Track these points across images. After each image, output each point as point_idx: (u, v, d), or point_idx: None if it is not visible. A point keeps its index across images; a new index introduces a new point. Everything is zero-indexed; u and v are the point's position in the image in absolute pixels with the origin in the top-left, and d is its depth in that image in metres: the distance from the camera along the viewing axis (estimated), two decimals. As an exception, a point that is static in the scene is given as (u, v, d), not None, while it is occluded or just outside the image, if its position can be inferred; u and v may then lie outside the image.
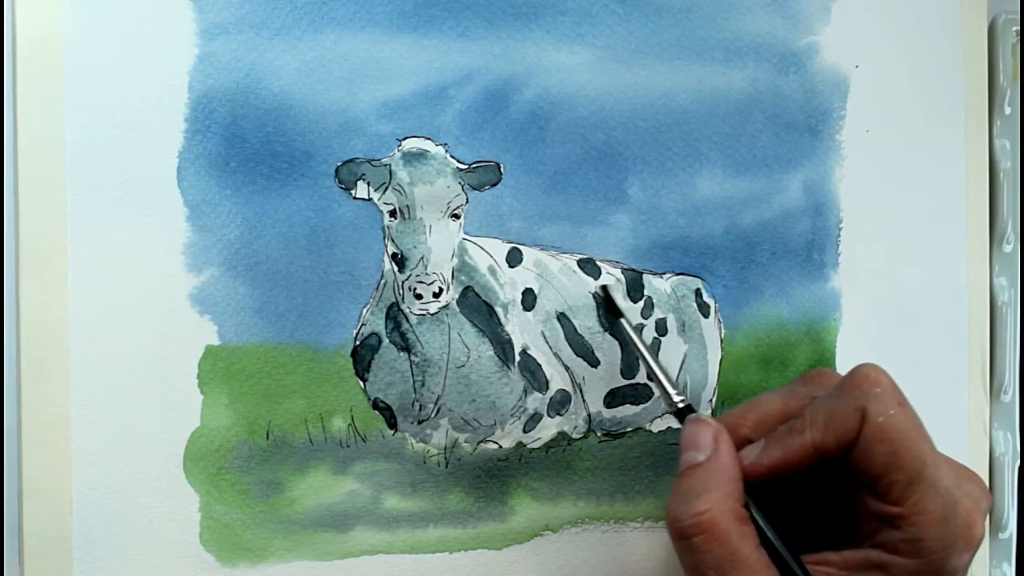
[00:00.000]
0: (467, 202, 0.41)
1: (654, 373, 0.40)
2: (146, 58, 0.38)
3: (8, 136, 0.37)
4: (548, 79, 0.42)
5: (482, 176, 0.41)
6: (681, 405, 0.39)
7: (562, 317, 0.43)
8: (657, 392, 0.40)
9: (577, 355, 0.43)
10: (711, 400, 0.45)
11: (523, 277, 0.42)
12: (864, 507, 0.34)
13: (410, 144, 0.40)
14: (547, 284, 0.42)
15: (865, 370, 0.35)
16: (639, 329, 0.44)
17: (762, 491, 0.36)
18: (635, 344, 0.41)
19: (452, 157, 0.41)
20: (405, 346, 0.41)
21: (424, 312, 0.41)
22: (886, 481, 0.33)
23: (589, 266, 0.43)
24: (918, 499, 0.33)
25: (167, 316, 0.38)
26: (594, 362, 0.43)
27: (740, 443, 0.37)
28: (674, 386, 0.40)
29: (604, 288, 0.43)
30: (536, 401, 0.42)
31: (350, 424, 0.40)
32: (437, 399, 0.41)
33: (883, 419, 0.33)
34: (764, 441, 0.36)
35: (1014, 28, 0.50)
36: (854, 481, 0.35)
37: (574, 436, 0.43)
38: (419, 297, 0.40)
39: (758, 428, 0.37)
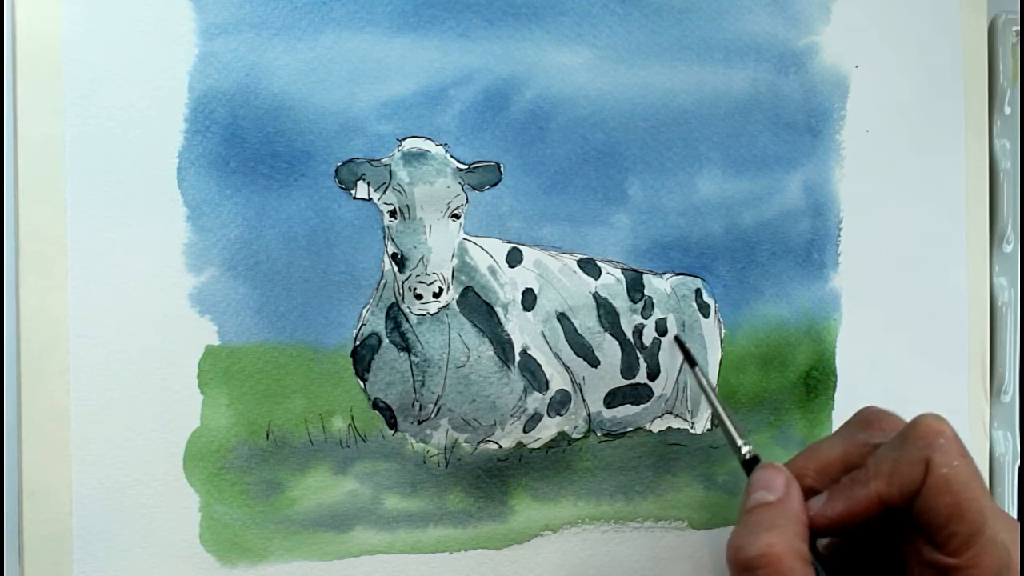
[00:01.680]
0: (467, 202, 0.41)
1: (724, 425, 0.40)
2: (146, 58, 0.38)
3: (8, 136, 0.37)
4: (548, 79, 0.42)
5: (482, 176, 0.41)
6: (748, 456, 0.39)
7: (562, 317, 0.43)
8: (726, 442, 0.41)
9: (577, 355, 0.43)
10: (711, 400, 0.45)
11: (523, 277, 0.42)
12: (918, 555, 0.34)
13: (410, 144, 0.40)
14: (547, 284, 0.42)
15: (928, 420, 0.35)
16: (640, 330, 0.44)
17: (815, 534, 0.36)
18: (708, 395, 0.41)
19: (452, 157, 0.41)
20: (405, 346, 0.41)
21: (424, 312, 0.41)
22: (946, 532, 0.33)
23: (589, 266, 0.43)
24: (976, 552, 0.33)
25: (167, 316, 0.38)
26: (594, 362, 0.43)
27: (804, 492, 0.37)
28: (742, 436, 0.40)
29: (677, 338, 0.44)
30: (536, 401, 0.42)
31: (350, 424, 0.40)
32: (437, 399, 0.41)
33: (947, 471, 0.34)
34: (828, 492, 0.36)
35: (1014, 28, 0.50)
36: (912, 529, 0.35)
37: (574, 436, 0.43)
38: (419, 297, 0.40)
39: (820, 477, 0.37)
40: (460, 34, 0.41)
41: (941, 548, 0.34)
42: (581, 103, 0.43)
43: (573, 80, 0.42)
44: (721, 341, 0.45)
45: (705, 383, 0.42)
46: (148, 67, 0.38)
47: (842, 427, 0.39)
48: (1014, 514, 0.50)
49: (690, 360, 0.43)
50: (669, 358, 0.44)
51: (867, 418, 0.39)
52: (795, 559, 0.33)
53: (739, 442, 0.40)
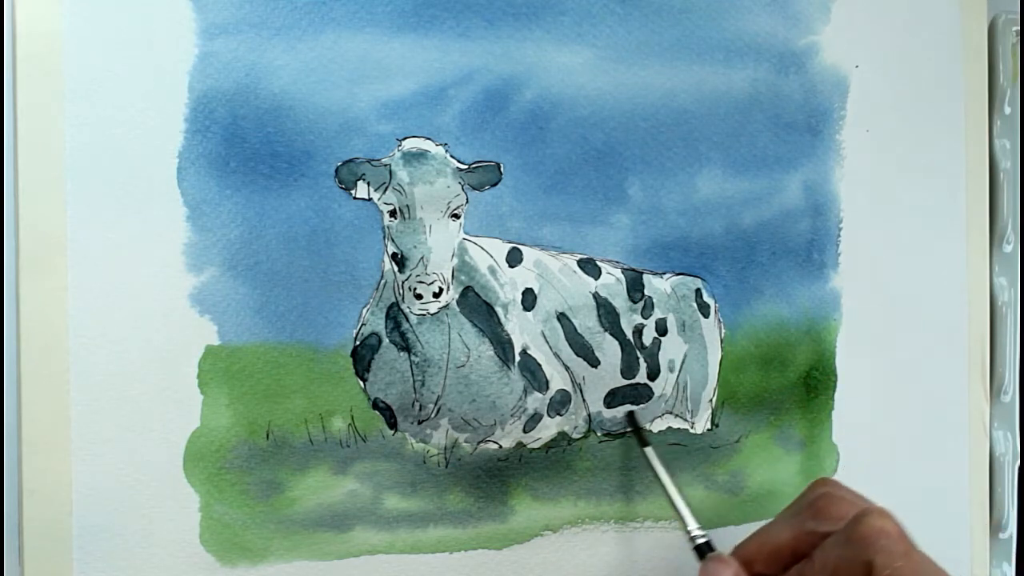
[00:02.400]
0: (467, 202, 0.41)
1: (675, 506, 0.40)
2: (146, 58, 0.38)
3: (8, 136, 0.37)
4: (548, 79, 0.42)
5: (482, 176, 0.41)
6: (700, 541, 0.39)
7: (562, 317, 0.43)
8: (677, 524, 0.41)
9: (577, 355, 0.43)
10: (711, 400, 0.45)
11: (523, 277, 0.42)
12: None
13: (410, 144, 0.40)
14: (547, 284, 0.42)
15: (871, 520, 0.35)
16: (640, 330, 0.44)
17: None
18: (657, 474, 0.41)
19: (452, 157, 0.41)
20: (405, 346, 0.41)
21: (424, 312, 0.41)
22: None
23: (589, 266, 0.43)
24: None
25: (167, 316, 0.38)
26: (594, 362, 0.43)
27: None
28: (695, 520, 0.40)
29: (631, 414, 0.43)
30: (536, 401, 0.42)
31: (350, 424, 0.40)
32: (437, 399, 0.41)
33: (889, 572, 0.34)
34: None
35: (1014, 28, 0.50)
36: None
37: (574, 436, 0.43)
38: (419, 297, 0.40)
39: (769, 563, 0.38)
40: (460, 34, 0.41)
41: None
42: (581, 103, 0.43)
43: (573, 80, 0.42)
44: (721, 341, 0.45)
45: (654, 463, 0.42)
46: (148, 67, 0.38)
47: (793, 506, 0.39)
48: (1015, 515, 0.50)
49: (642, 441, 0.43)
50: (670, 357, 0.44)
51: (817, 503, 0.38)
52: None
53: (689, 527, 0.40)
